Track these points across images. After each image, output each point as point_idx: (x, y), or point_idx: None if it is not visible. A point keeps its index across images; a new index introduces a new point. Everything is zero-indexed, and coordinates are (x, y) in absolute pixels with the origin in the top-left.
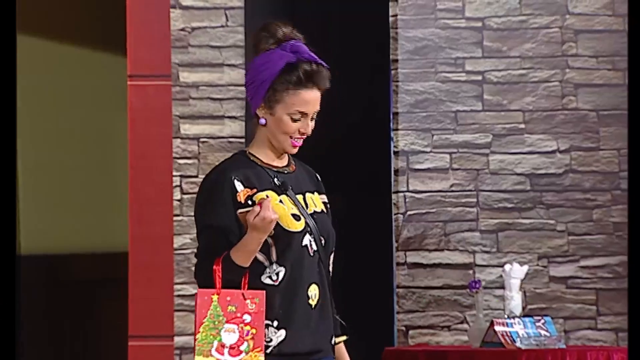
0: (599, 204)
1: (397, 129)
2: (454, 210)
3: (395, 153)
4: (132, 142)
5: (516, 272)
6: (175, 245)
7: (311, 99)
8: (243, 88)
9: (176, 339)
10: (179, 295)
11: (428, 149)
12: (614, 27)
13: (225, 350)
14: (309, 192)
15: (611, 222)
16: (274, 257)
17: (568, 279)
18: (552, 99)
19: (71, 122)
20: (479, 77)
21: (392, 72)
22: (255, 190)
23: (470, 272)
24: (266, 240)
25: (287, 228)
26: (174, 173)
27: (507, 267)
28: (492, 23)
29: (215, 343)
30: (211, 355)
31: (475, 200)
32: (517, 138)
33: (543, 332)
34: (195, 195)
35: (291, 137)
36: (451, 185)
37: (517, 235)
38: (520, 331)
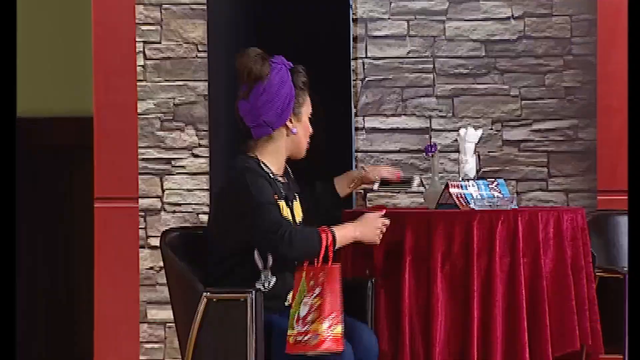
0: (551, 69)
1: None
2: (411, 77)
3: (354, 20)
4: (96, 10)
5: (471, 136)
6: (139, 110)
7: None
8: None
9: (140, 200)
10: (143, 159)
11: (386, 16)
12: None
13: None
14: (295, 200)
15: (563, 86)
16: None
17: (521, 142)
18: None
19: None
20: None
21: None
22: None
23: (427, 136)
24: None
25: None
26: (137, 39)
27: (461, 131)
28: None
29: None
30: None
31: (431, 66)
32: (473, 5)
33: (496, 194)
34: (158, 61)
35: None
36: (408, 52)
37: (472, 100)
38: (474, 193)
